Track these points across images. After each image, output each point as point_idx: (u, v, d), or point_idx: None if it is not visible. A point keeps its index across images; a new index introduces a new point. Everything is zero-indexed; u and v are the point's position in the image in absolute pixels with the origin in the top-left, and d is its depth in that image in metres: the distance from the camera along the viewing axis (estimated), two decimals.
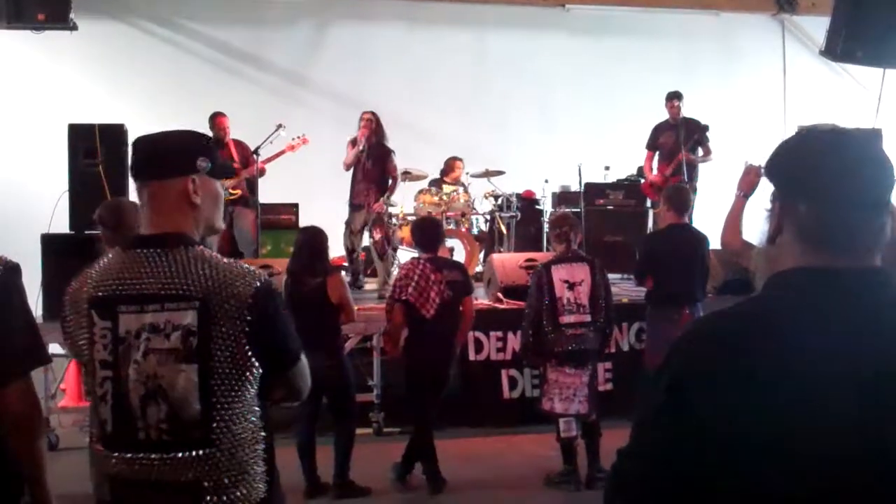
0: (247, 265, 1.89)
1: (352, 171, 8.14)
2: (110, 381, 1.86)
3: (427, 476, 5.38)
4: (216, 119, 8.33)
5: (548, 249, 8.34)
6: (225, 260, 1.88)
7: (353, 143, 8.00)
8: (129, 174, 1.90)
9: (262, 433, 1.89)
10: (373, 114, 7.98)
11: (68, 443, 6.09)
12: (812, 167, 1.35)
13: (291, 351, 1.95)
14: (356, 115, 8.34)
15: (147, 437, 1.84)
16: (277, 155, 8.22)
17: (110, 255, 1.90)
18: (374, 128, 7.89)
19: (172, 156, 1.89)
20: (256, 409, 1.89)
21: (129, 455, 1.85)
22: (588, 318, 5.25)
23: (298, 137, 8.39)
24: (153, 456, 1.84)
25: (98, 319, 1.86)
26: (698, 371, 1.30)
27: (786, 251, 1.39)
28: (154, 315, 1.83)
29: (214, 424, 1.83)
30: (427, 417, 5.41)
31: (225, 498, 1.83)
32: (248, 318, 1.82)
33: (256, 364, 1.85)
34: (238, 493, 1.86)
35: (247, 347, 1.83)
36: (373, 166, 7.93)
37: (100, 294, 1.85)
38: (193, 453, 1.82)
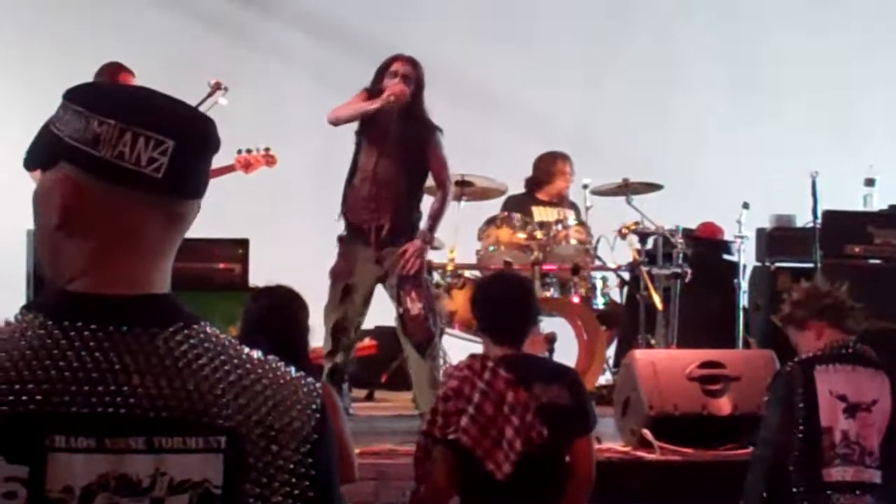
0: (290, 367, 2.03)
1: (352, 159, 8.13)
2: None
3: None
4: (116, 75, 8.36)
5: (746, 344, 8.69)
6: (255, 354, 1.99)
7: (370, 96, 8.06)
8: (141, 182, 1.95)
9: None
10: (413, 63, 8.07)
11: None
12: None
13: None
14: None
15: None
16: (219, 172, 8.37)
17: (4, 333, 1.92)
18: (412, 88, 7.97)
19: (215, 148, 2.03)
20: None
21: None
22: (876, 476, 5.31)
23: (259, 151, 8.71)
24: None
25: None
26: None
27: None
28: (130, 459, 1.84)
29: None
30: None
31: None
32: (312, 471, 1.92)
33: None
34: None
35: None
36: (399, 153, 7.92)
37: (3, 410, 1.84)
38: None
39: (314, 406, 1.98)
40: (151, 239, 1.99)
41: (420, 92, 8.01)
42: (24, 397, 1.86)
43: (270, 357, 2.02)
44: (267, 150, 8.69)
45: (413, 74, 7.96)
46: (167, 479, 1.86)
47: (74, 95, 1.99)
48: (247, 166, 8.60)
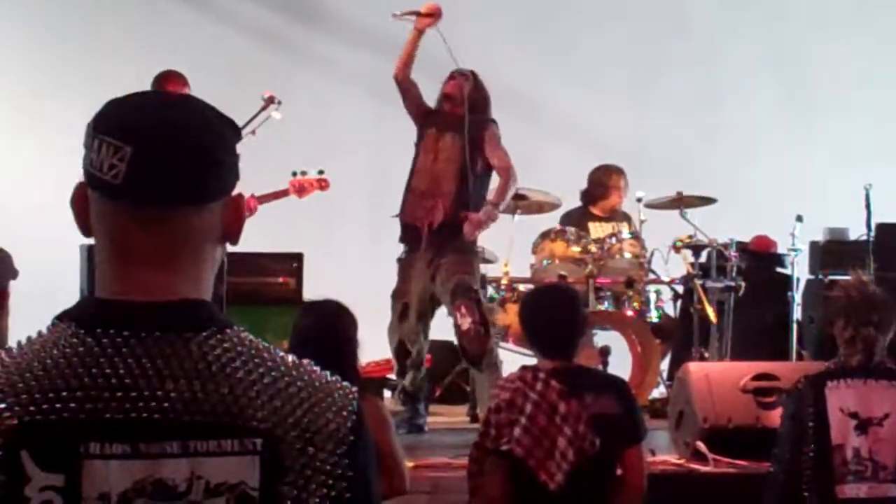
0: (324, 371, 2.06)
1: (412, 164, 8.29)
2: None
3: None
4: (169, 83, 8.40)
5: (800, 356, 8.73)
6: (290, 358, 2.01)
7: (431, 112, 8.33)
8: (112, 189, 1.96)
9: None
10: (470, 74, 8.27)
11: None
12: None
13: None
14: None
15: None
16: (273, 196, 8.69)
17: (35, 343, 1.95)
18: (467, 92, 8.15)
19: (230, 155, 2.02)
20: None
21: None
22: (892, 490, 5.26)
23: (313, 174, 8.77)
24: None
25: (34, 470, 1.85)
26: None
27: None
28: (165, 464, 1.87)
29: None
30: None
31: None
32: (349, 472, 1.94)
33: None
34: None
35: None
36: (455, 150, 8.08)
37: (37, 419, 1.87)
38: None
39: (350, 408, 1.99)
40: (142, 246, 1.98)
41: (481, 93, 8.19)
42: (57, 405, 1.89)
43: (305, 361, 2.04)
44: (321, 173, 8.78)
45: (470, 78, 8.16)
46: (203, 483, 1.90)
47: None
48: (301, 191, 8.67)
